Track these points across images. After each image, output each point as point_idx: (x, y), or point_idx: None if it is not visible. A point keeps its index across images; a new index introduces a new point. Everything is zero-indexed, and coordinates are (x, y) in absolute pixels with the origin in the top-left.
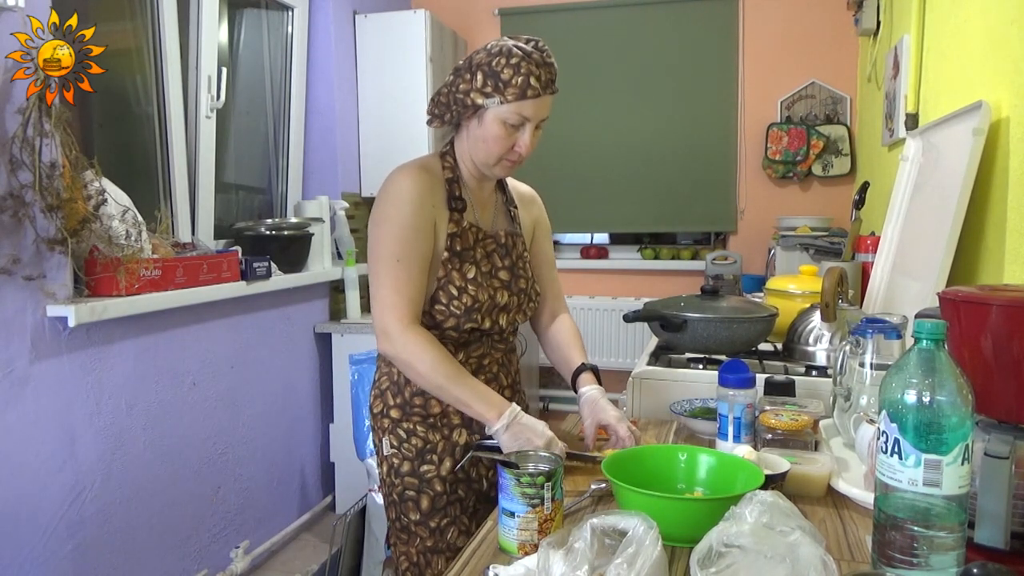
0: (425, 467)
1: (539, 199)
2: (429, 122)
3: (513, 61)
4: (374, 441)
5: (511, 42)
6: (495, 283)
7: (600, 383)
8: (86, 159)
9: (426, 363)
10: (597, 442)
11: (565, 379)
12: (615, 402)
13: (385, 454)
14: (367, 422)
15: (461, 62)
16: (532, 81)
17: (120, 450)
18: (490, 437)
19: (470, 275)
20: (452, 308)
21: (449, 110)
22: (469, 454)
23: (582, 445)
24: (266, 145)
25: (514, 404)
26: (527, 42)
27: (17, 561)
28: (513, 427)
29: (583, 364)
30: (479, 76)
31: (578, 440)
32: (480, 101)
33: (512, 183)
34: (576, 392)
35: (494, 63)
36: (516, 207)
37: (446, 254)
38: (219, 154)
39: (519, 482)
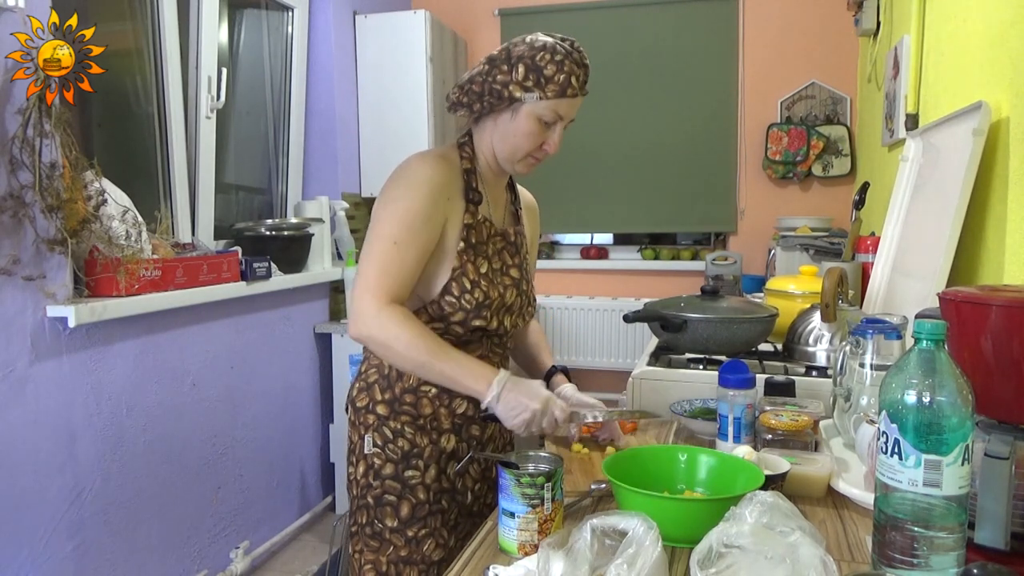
0: (410, 472)
1: (537, 208)
2: (452, 110)
3: (557, 58)
4: (351, 437)
5: (550, 39)
6: (506, 280)
7: (570, 382)
8: (86, 159)
9: (403, 341)
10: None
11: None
12: (615, 402)
13: (365, 452)
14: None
15: (496, 52)
16: (573, 80)
17: (120, 450)
18: (486, 411)
19: (483, 270)
20: (463, 302)
21: (481, 100)
22: (469, 455)
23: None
24: (266, 145)
25: (502, 370)
26: (563, 40)
27: (17, 561)
28: (505, 396)
29: (554, 366)
30: (520, 69)
31: (570, 445)
32: (518, 94)
33: (518, 187)
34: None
35: (537, 58)
36: (521, 208)
37: (462, 244)
38: (219, 154)
39: (519, 482)
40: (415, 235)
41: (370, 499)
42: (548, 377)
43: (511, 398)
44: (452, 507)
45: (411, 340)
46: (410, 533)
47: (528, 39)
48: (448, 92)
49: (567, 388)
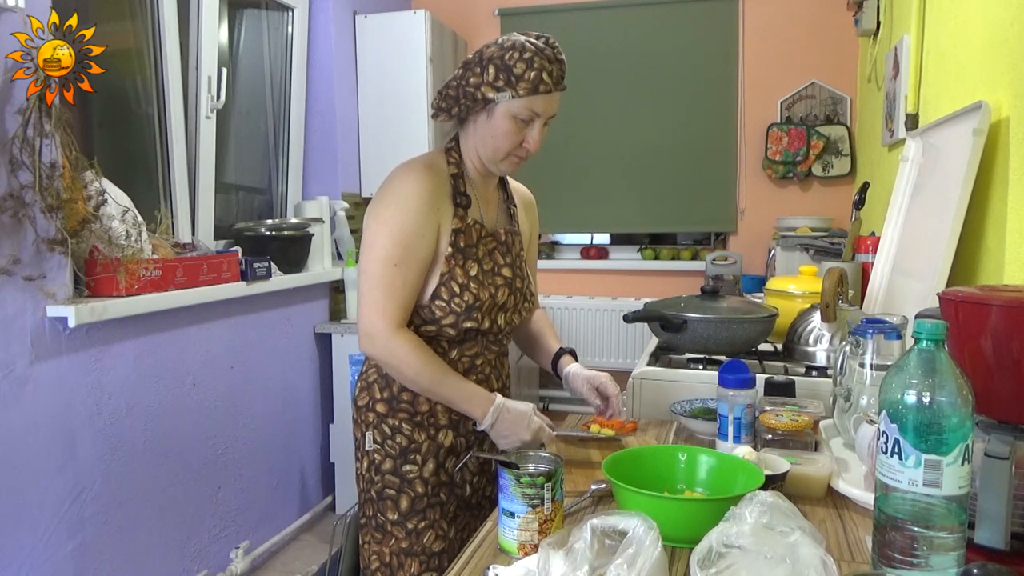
0: (408, 467)
1: (535, 202)
2: (435, 115)
3: (526, 56)
4: (355, 434)
5: (522, 37)
6: (497, 280)
7: (577, 362)
8: (86, 159)
9: (413, 368)
10: (588, 423)
11: (543, 365)
12: None
13: (367, 449)
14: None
15: (471, 56)
16: (544, 76)
17: (120, 450)
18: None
19: (472, 272)
20: (453, 305)
21: (457, 104)
22: (470, 454)
23: (574, 437)
24: (266, 145)
25: (498, 397)
26: (538, 38)
27: (17, 561)
28: (498, 424)
29: (562, 348)
30: (491, 70)
31: (578, 442)
32: (491, 95)
33: (512, 183)
34: (559, 374)
35: (506, 57)
36: (515, 206)
37: (450, 250)
38: (219, 154)
39: (519, 482)
40: (412, 252)
41: (373, 493)
42: (556, 359)
43: (503, 427)
44: (451, 500)
45: (419, 368)
46: (410, 525)
47: (500, 40)
48: (433, 98)
49: (574, 367)
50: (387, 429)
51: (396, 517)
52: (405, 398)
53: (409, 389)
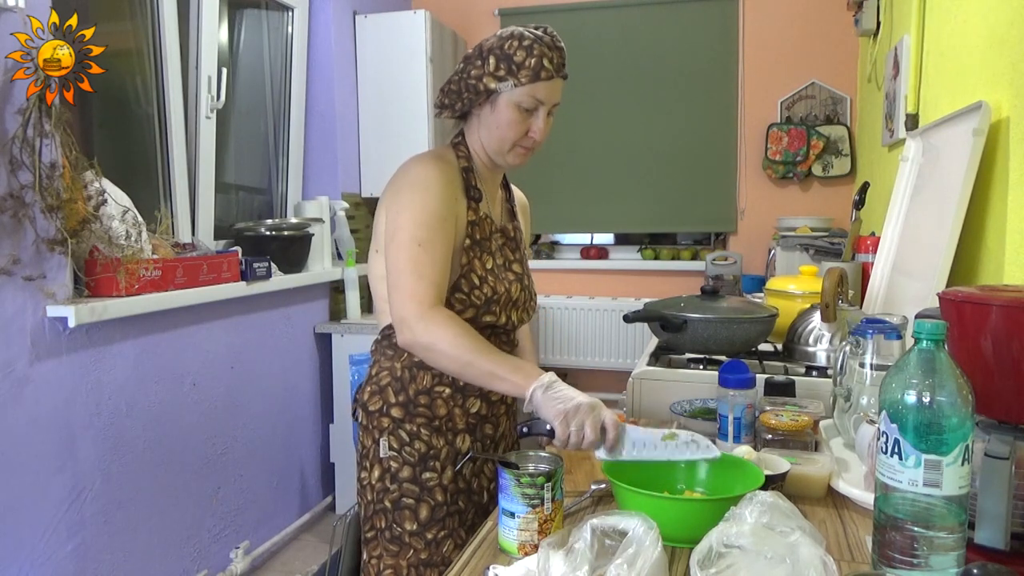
0: (428, 474)
1: (529, 208)
2: (438, 113)
3: (525, 44)
4: (363, 441)
5: (520, 28)
6: (509, 276)
7: None
8: (86, 159)
9: (448, 340)
10: None
11: None
12: (616, 402)
13: (381, 456)
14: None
15: (470, 51)
16: (545, 63)
17: (120, 450)
18: (533, 417)
19: (488, 265)
20: (473, 298)
21: (460, 98)
22: (468, 456)
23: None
24: (266, 145)
25: (552, 373)
26: (536, 28)
27: (17, 561)
28: (554, 385)
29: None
30: (491, 60)
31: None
32: (493, 85)
33: (511, 186)
34: None
35: (506, 46)
36: (516, 206)
37: (468, 241)
38: (219, 154)
39: (519, 482)
40: (436, 233)
41: (387, 503)
42: None
43: (559, 390)
44: (469, 507)
45: (454, 339)
46: (429, 535)
47: (499, 32)
48: (436, 96)
49: None
50: (404, 435)
51: (415, 527)
52: (422, 401)
53: (426, 392)
